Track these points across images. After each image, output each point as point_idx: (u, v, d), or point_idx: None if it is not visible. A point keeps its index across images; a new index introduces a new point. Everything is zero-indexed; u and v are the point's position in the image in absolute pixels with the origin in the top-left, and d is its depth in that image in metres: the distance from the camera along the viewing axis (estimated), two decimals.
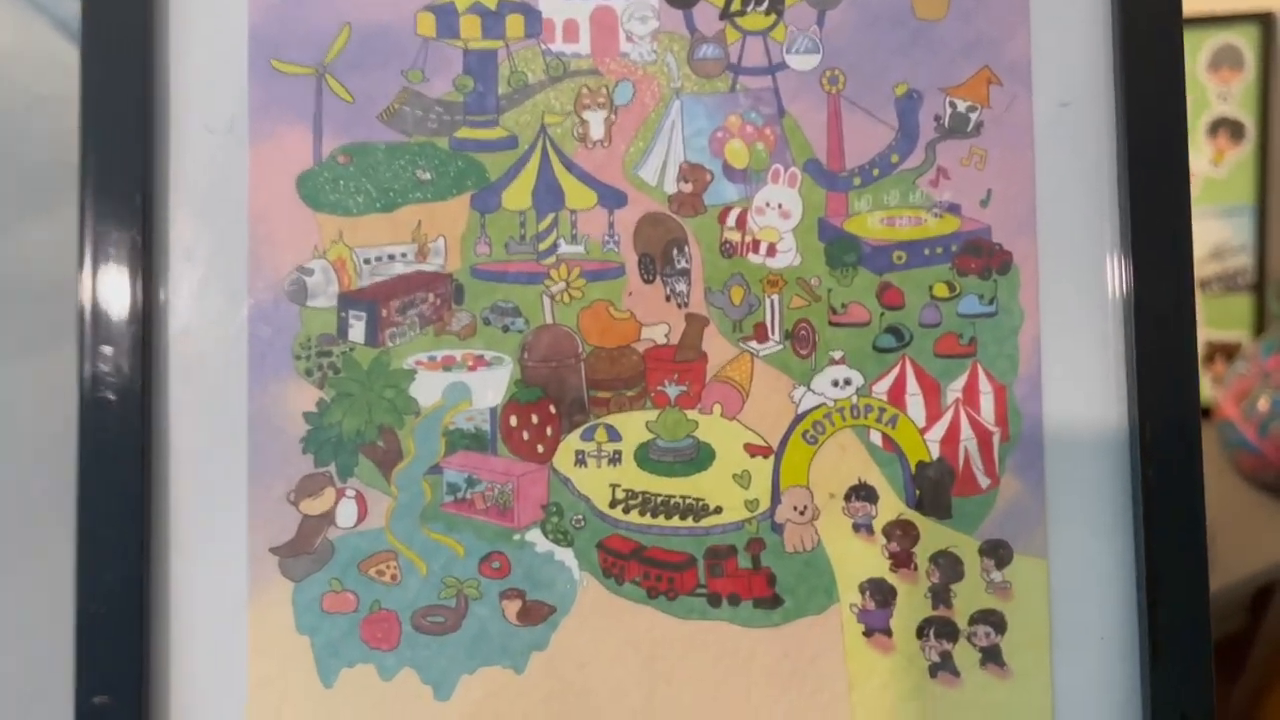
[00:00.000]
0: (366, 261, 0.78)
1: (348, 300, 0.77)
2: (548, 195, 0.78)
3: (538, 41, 0.79)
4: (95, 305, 0.75)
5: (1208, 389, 1.84)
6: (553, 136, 0.78)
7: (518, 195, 0.78)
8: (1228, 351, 1.95)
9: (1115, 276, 0.77)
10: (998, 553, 0.77)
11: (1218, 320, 1.97)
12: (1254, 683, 1.60)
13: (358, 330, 0.77)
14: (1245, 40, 1.98)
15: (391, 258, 0.78)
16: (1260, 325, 1.96)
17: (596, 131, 0.78)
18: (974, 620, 0.76)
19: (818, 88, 0.78)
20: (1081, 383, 0.78)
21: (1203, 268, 1.95)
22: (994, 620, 0.76)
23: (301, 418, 0.77)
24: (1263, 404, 1.67)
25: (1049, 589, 0.77)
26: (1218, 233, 1.98)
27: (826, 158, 0.78)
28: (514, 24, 0.79)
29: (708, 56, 0.79)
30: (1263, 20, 1.98)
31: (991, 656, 0.76)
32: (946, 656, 0.76)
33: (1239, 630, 1.62)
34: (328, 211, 0.78)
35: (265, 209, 0.77)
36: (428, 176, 0.78)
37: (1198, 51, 1.97)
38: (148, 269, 0.76)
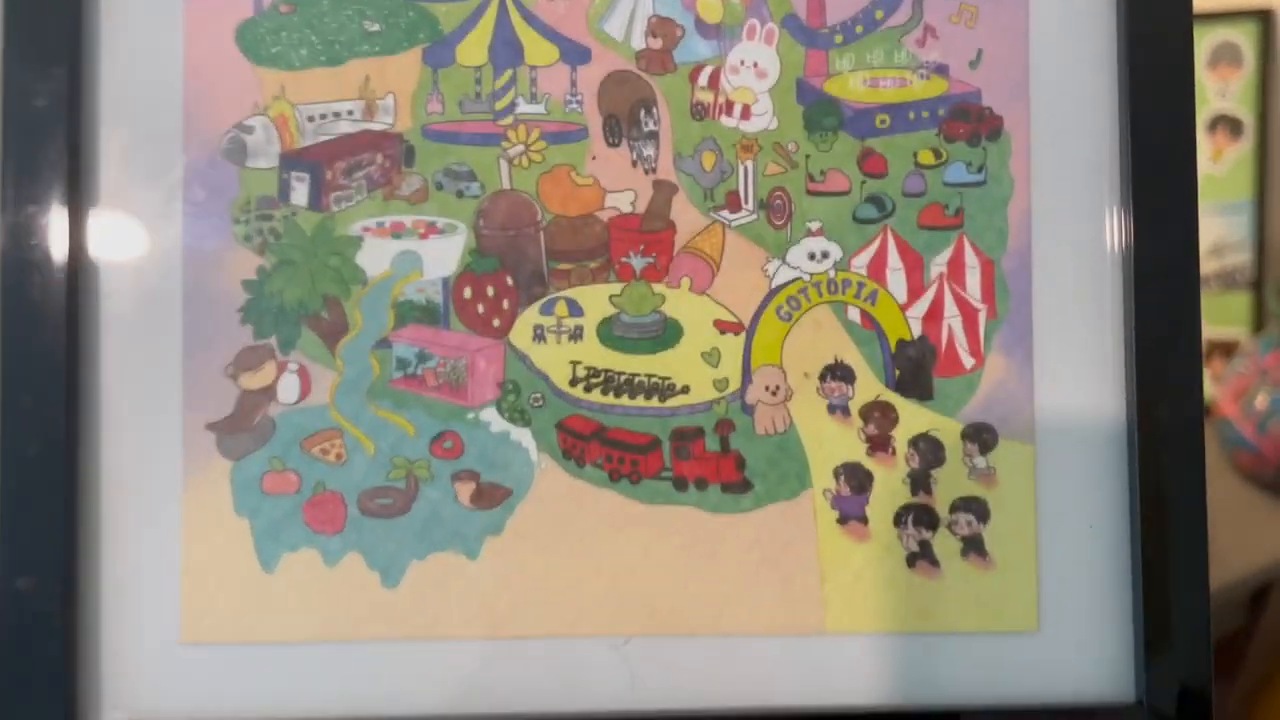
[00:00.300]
0: (310, 119, 0.73)
1: (290, 161, 0.73)
2: (505, 50, 0.73)
3: None
4: (18, 160, 0.70)
5: (1207, 387, 1.81)
6: None
7: (473, 49, 0.73)
8: (1226, 349, 1.92)
9: (1112, 142, 0.73)
10: (981, 437, 0.73)
11: (1216, 318, 1.95)
12: (1252, 682, 1.58)
13: (300, 193, 0.72)
14: (1244, 37, 1.96)
15: (337, 115, 0.73)
16: (1259, 323, 1.93)
17: None
18: (955, 508, 0.73)
19: None
20: (1075, 256, 0.73)
21: (1201, 266, 1.91)
22: (976, 508, 0.73)
23: (240, 286, 0.72)
24: (1260, 401, 1.64)
25: (1035, 475, 0.73)
26: (1216, 230, 1.96)
27: (806, 13, 0.74)
28: None
29: None
30: (1262, 17, 1.95)
31: (973, 546, 0.73)
32: (925, 546, 0.73)
33: (1237, 629, 1.60)
34: (269, 65, 0.73)
35: (201, 61, 0.73)
36: (376, 28, 0.73)
37: (1197, 49, 1.93)
38: (74, 123, 0.71)
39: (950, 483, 0.73)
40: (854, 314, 0.73)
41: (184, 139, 0.72)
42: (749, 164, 0.73)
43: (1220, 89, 1.98)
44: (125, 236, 0.72)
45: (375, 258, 0.73)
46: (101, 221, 0.72)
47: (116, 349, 0.72)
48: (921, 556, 0.73)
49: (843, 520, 0.73)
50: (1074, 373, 0.73)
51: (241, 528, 0.72)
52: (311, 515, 0.72)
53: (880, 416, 0.73)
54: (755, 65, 0.73)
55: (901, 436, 0.73)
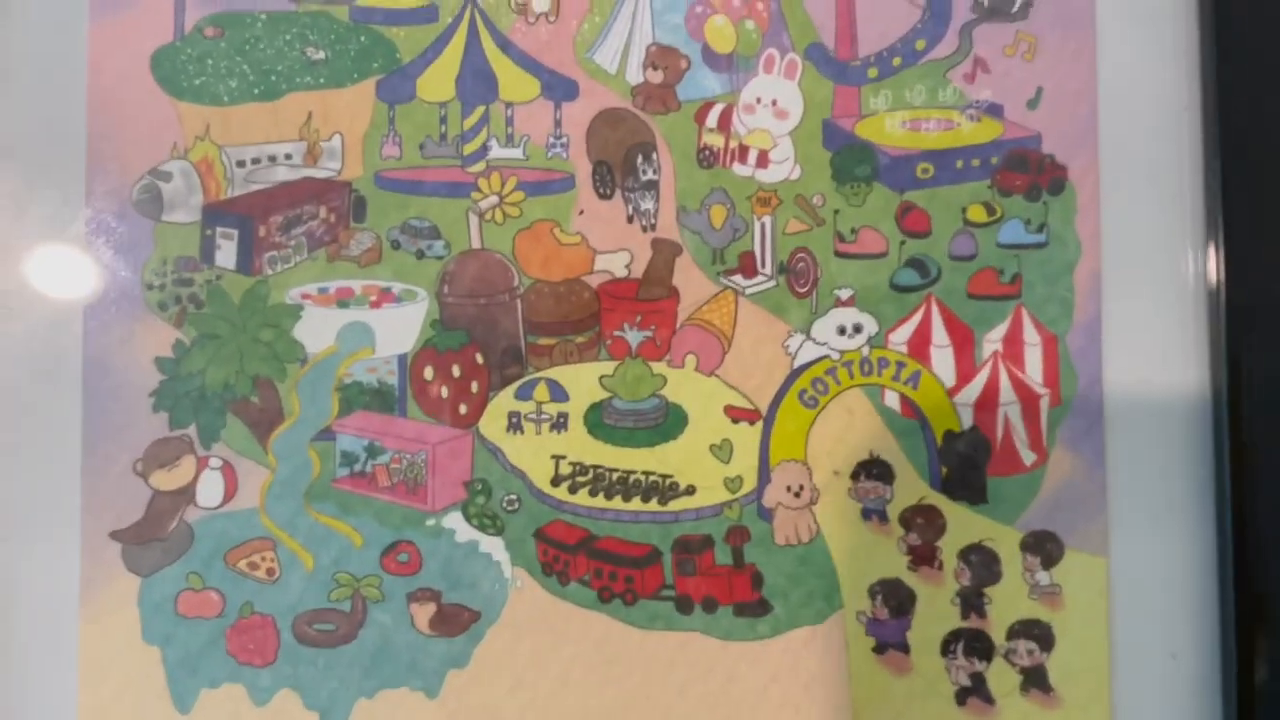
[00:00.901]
0: (240, 164, 0.62)
1: (215, 214, 0.62)
2: (476, 82, 0.63)
3: None
4: None
5: None
6: (484, 6, 0.63)
7: (437, 82, 0.63)
8: None
9: (1198, 199, 0.62)
10: (1045, 548, 0.62)
11: None
12: None
13: (227, 253, 0.62)
14: None
15: (273, 160, 0.62)
16: None
17: (540, 2, 0.63)
18: (1014, 634, 0.62)
19: None
20: (1153, 333, 0.63)
21: None
22: (1039, 634, 0.62)
23: (153, 365, 0.62)
24: None
25: (1109, 595, 0.62)
26: None
27: (835, 41, 0.64)
28: None
29: None
30: None
31: (1035, 680, 0.62)
32: (979, 679, 0.62)
33: None
34: (191, 99, 0.63)
35: (110, 94, 0.62)
36: (321, 56, 0.63)
37: None
38: None
39: (1008, 603, 0.62)
40: (892, 399, 0.63)
41: (87, 186, 0.62)
42: (766, 220, 0.63)
43: None
44: (14, 302, 0.61)
45: (317, 331, 0.62)
46: None
47: (2, 440, 0.61)
48: (974, 692, 0.62)
49: (880, 649, 0.62)
50: (1154, 470, 0.62)
51: (151, 659, 0.61)
52: (237, 643, 0.61)
53: (924, 523, 0.62)
54: (774, 103, 0.63)
55: (950, 547, 0.62)
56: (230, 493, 0.61)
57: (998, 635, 0.62)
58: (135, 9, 0.62)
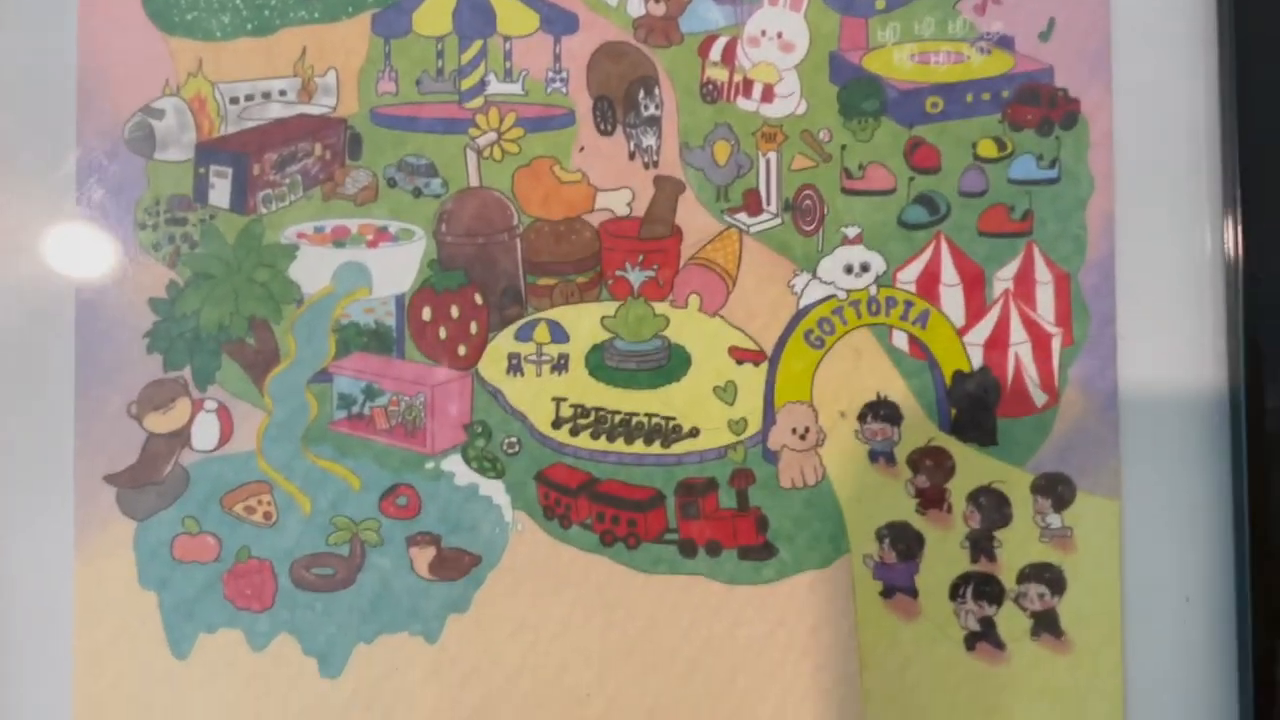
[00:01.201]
0: (234, 101, 0.61)
1: (209, 152, 0.61)
2: (474, 15, 0.62)
3: None
4: None
5: None
6: None
7: (434, 15, 0.62)
8: None
9: (1214, 129, 0.61)
10: (1056, 490, 0.61)
11: None
12: None
13: (221, 191, 0.61)
14: None
15: (266, 96, 0.61)
16: None
17: None
18: (1024, 577, 0.61)
19: None
20: (1169, 268, 0.62)
21: None
22: (1050, 577, 0.61)
23: (146, 306, 0.61)
24: None
25: (1122, 537, 0.61)
26: None
27: None
28: None
29: None
30: None
31: (1046, 624, 0.61)
32: (988, 624, 0.61)
33: None
34: (182, 34, 0.61)
35: (99, 29, 0.61)
36: None
37: None
38: None
39: (1018, 547, 0.61)
40: (900, 340, 0.62)
41: (77, 124, 0.61)
42: (772, 156, 0.62)
43: None
44: (4, 243, 0.60)
45: (313, 271, 0.61)
46: None
47: None
48: (983, 637, 0.61)
49: (887, 593, 0.61)
50: (1168, 411, 0.61)
51: (148, 604, 0.61)
52: (234, 588, 0.61)
53: (933, 465, 0.61)
54: (779, 36, 0.62)
55: (959, 490, 0.61)
56: (226, 435, 0.61)
57: (1008, 579, 0.61)
58: None
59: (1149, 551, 0.61)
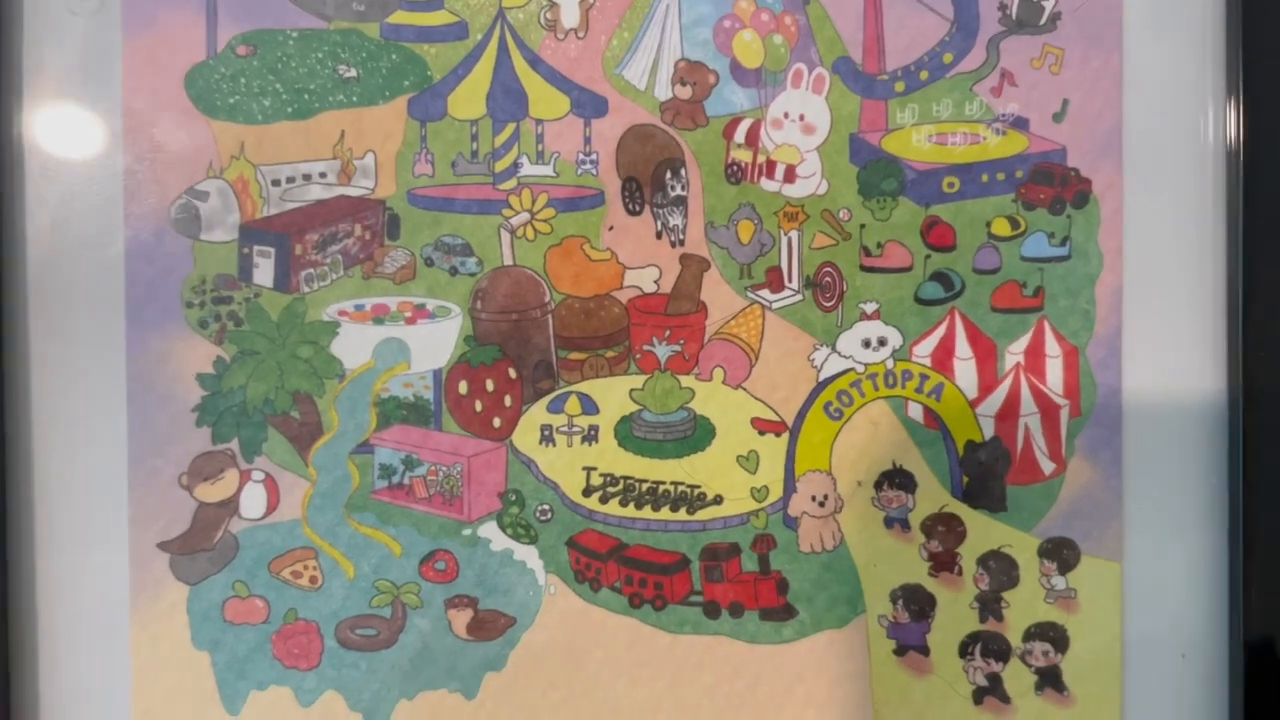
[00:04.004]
0: (275, 183, 0.66)
1: (252, 233, 0.66)
2: (507, 100, 0.66)
3: None
4: None
5: None
6: (513, 23, 0.66)
7: (468, 99, 0.66)
8: None
9: (1219, 213, 0.66)
10: (1061, 554, 0.67)
11: None
12: None
13: (265, 271, 0.66)
14: None
15: (307, 178, 0.66)
16: None
17: (569, 18, 0.66)
18: (1030, 636, 0.68)
19: None
20: (1172, 345, 0.67)
21: None
22: (1054, 636, 0.67)
23: (195, 381, 0.66)
24: None
25: (1122, 598, 0.67)
26: None
27: (862, 56, 0.67)
28: None
29: None
30: None
31: (1050, 680, 0.67)
32: (995, 680, 0.67)
33: None
34: (225, 118, 0.66)
35: (145, 114, 0.65)
36: (353, 74, 0.65)
37: None
38: None
39: (1025, 607, 0.67)
40: (916, 411, 0.67)
41: (125, 207, 0.65)
42: (793, 235, 0.67)
43: None
44: (57, 323, 0.65)
45: (354, 347, 0.66)
46: (31, 307, 0.65)
47: (52, 456, 0.66)
48: (990, 692, 0.67)
49: (900, 651, 0.67)
50: (1169, 480, 0.67)
51: (201, 663, 0.66)
52: (282, 648, 0.66)
53: (945, 531, 0.67)
54: (801, 118, 0.66)
55: (969, 554, 0.67)
56: (273, 504, 0.66)
57: (1014, 637, 0.68)
58: (167, 27, 0.65)
59: (1148, 611, 0.67)
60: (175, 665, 0.66)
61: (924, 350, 0.67)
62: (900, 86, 0.67)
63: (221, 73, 0.65)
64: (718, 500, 0.67)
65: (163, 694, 0.66)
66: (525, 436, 0.67)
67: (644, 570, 0.67)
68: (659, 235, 0.67)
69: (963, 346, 0.67)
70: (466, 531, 0.67)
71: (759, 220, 0.67)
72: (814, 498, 0.67)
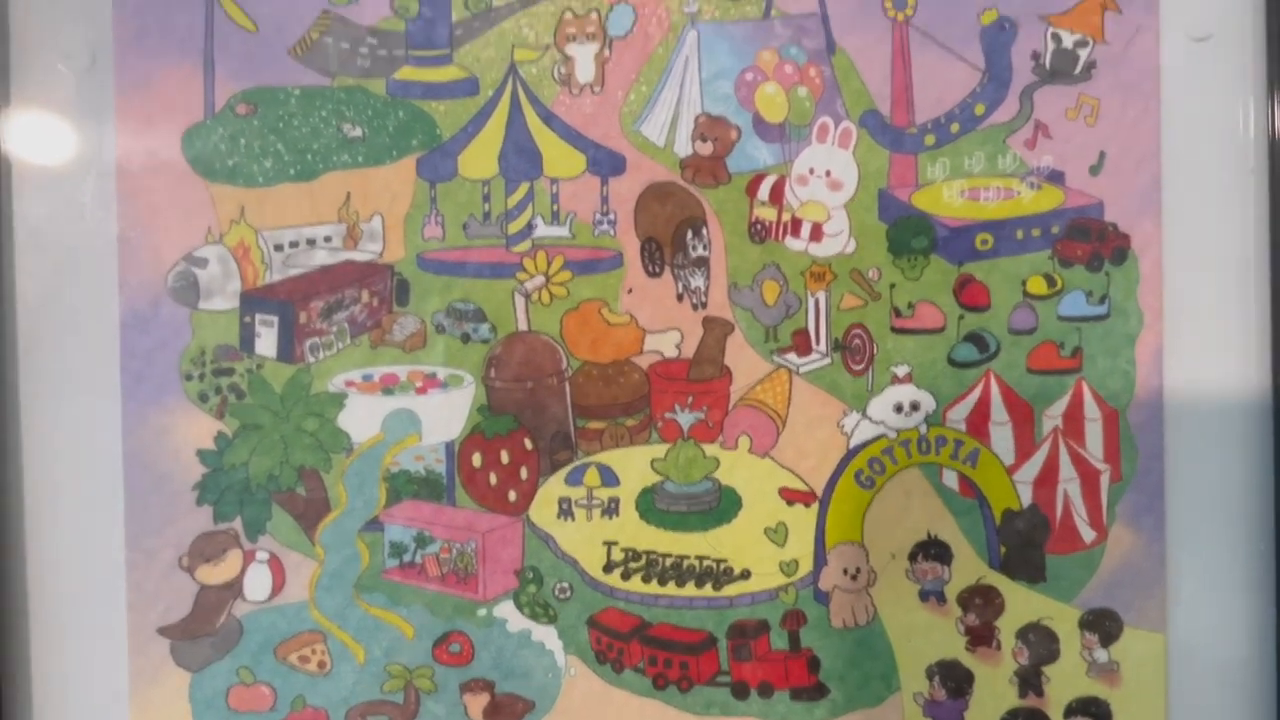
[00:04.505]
0: (278, 248, 0.63)
1: (254, 301, 0.64)
2: (520, 158, 0.64)
3: None
4: None
5: None
6: (526, 78, 0.64)
7: (480, 158, 0.64)
8: None
9: (1261, 269, 0.64)
10: (1103, 625, 0.65)
11: None
12: None
13: (268, 340, 0.63)
14: None
15: (311, 243, 0.64)
16: None
17: (584, 72, 0.64)
18: (1072, 711, 0.65)
19: (879, 13, 0.64)
20: (1216, 407, 0.65)
21: None
22: (1097, 711, 0.65)
23: (195, 457, 0.64)
24: None
25: (1167, 671, 0.65)
26: None
27: (890, 108, 0.65)
28: None
29: None
30: None
31: None
32: None
33: None
34: (224, 180, 0.63)
35: (140, 177, 0.63)
36: (358, 133, 0.63)
37: None
38: None
39: (1066, 681, 0.65)
40: (951, 479, 0.65)
41: (120, 274, 0.63)
42: (821, 296, 0.65)
43: None
44: (50, 398, 0.63)
45: (362, 419, 0.64)
46: (22, 380, 0.62)
47: (45, 537, 0.63)
48: None
49: None
50: (1213, 548, 0.65)
51: None
52: None
53: (982, 604, 0.65)
54: (828, 174, 0.64)
55: (1008, 627, 0.65)
56: (278, 586, 0.64)
57: (1055, 713, 0.65)
58: (163, 85, 0.62)
59: (1193, 683, 0.65)
60: None
61: (958, 415, 0.65)
62: (930, 140, 0.65)
63: (220, 133, 0.63)
64: (745, 575, 0.65)
65: None
66: (542, 510, 0.64)
67: (668, 650, 0.65)
68: (680, 297, 0.65)
69: (999, 410, 0.65)
70: (482, 611, 0.64)
71: (784, 281, 0.65)
72: (846, 571, 0.65)
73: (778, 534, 0.65)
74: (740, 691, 0.65)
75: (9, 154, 0.63)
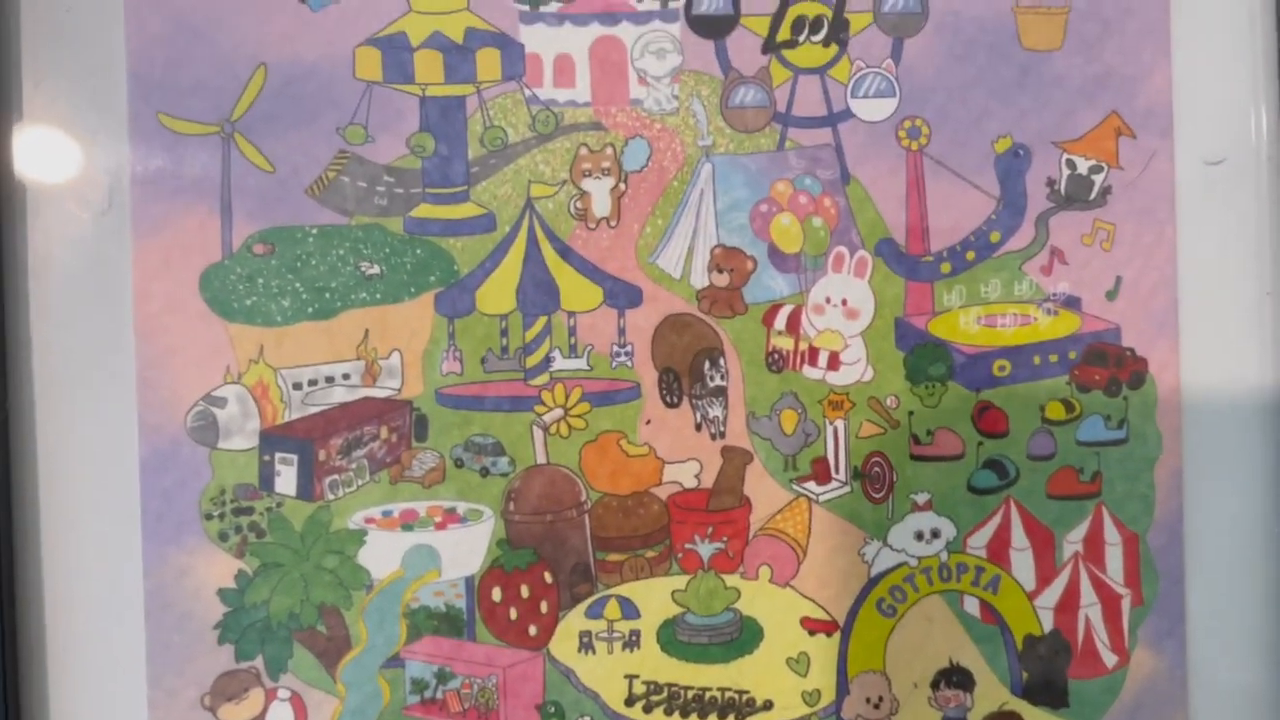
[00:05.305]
0: (297, 386, 0.64)
1: (273, 439, 0.64)
2: (537, 293, 0.65)
3: (519, 85, 0.64)
4: None
5: None
6: (542, 213, 0.65)
7: (497, 294, 0.65)
8: None
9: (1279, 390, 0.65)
10: None
11: None
12: None
13: (287, 479, 0.64)
14: None
15: (330, 380, 0.64)
16: None
17: (600, 206, 0.65)
18: None
19: (893, 143, 0.65)
20: (1236, 530, 0.66)
21: None
22: None
23: (216, 597, 0.64)
24: None
25: None
26: None
27: (905, 237, 0.65)
28: (487, 61, 0.64)
29: (747, 103, 0.65)
30: None
31: None
32: None
33: None
34: (243, 320, 0.64)
35: (158, 317, 0.64)
36: (376, 270, 0.64)
37: None
38: (1, 396, 0.62)
39: None
40: (972, 605, 0.66)
41: (140, 415, 0.63)
42: (839, 424, 0.65)
43: None
44: (71, 540, 0.63)
45: (382, 556, 0.64)
46: (43, 522, 0.63)
47: (68, 678, 0.63)
48: None
49: None
50: (1236, 673, 0.66)
51: None
52: None
53: None
54: (844, 303, 0.65)
55: None
56: None
57: None
58: (180, 226, 0.63)
59: None
60: None
61: (979, 541, 0.66)
62: (946, 268, 0.66)
63: (238, 273, 0.64)
64: (767, 706, 0.65)
65: None
66: (563, 644, 0.65)
67: None
68: (698, 427, 0.65)
69: (1019, 536, 0.66)
70: None
71: (803, 410, 0.65)
72: (868, 700, 0.65)
73: (800, 664, 0.65)
74: None
75: (29, 296, 0.63)
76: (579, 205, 0.65)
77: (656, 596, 0.65)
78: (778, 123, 0.65)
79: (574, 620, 0.65)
